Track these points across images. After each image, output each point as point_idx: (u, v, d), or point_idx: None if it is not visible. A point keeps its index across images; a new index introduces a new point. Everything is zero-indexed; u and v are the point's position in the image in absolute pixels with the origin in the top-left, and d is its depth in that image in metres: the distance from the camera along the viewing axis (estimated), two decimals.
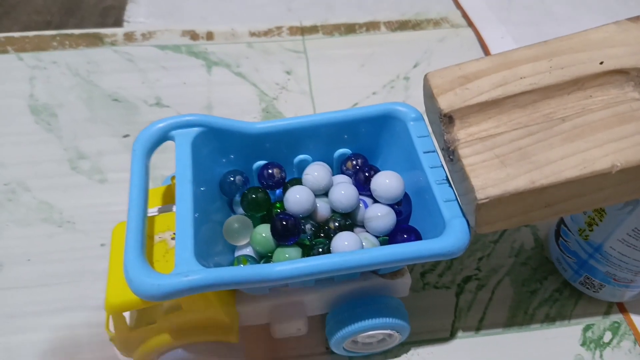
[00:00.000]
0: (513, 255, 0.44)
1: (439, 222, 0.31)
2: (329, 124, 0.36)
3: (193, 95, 0.56)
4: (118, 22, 0.65)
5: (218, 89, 0.57)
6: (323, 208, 0.35)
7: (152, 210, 0.36)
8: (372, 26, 0.65)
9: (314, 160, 0.38)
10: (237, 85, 0.57)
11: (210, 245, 0.32)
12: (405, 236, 0.33)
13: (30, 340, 0.38)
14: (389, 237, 0.34)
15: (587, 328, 0.40)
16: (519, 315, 0.40)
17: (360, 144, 0.38)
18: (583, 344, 0.39)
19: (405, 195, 0.36)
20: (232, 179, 0.36)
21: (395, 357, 0.38)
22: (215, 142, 0.35)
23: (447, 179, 0.33)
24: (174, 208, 0.35)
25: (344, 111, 0.36)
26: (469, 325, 0.40)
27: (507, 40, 0.63)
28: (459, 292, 0.42)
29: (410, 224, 0.36)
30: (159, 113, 0.54)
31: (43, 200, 0.46)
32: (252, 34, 0.63)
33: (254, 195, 0.35)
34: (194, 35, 0.63)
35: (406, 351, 0.38)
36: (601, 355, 0.38)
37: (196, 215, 0.30)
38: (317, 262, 0.29)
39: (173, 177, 0.37)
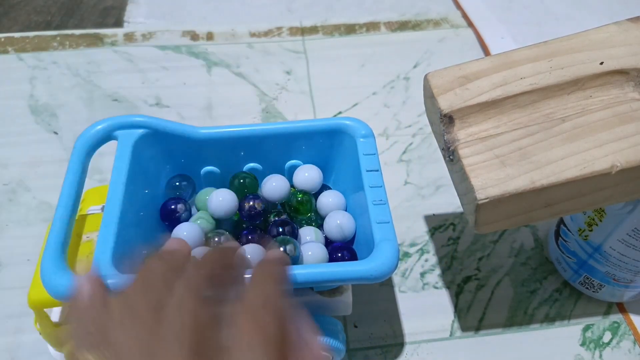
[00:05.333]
0: (513, 255, 0.44)
1: (371, 244, 0.31)
2: (280, 134, 0.36)
3: (193, 96, 0.56)
4: (118, 23, 0.65)
5: (218, 89, 0.57)
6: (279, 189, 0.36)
7: (95, 208, 0.35)
8: (372, 26, 0.65)
9: (264, 169, 0.38)
10: (237, 85, 0.57)
11: (137, 246, 0.31)
12: (339, 254, 0.33)
13: (30, 340, 0.38)
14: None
15: (586, 328, 0.40)
16: (519, 315, 0.40)
17: (312, 157, 0.38)
18: (583, 344, 0.39)
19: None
20: (177, 184, 0.36)
21: (395, 357, 0.38)
22: (160, 144, 0.35)
23: (385, 200, 0.32)
24: None
25: (296, 122, 0.36)
26: (469, 325, 0.40)
27: (507, 40, 0.63)
28: (459, 292, 0.42)
29: (353, 244, 0.36)
30: (159, 113, 0.54)
31: (43, 200, 0.46)
32: (252, 35, 0.63)
33: (241, 180, 0.35)
34: (194, 36, 0.63)
35: (406, 351, 0.38)
36: (601, 355, 0.38)
37: (134, 216, 0.30)
38: None
39: None
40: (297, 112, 0.54)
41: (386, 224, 0.31)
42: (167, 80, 0.57)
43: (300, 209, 0.36)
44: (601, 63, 0.31)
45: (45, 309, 0.31)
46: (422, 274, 0.43)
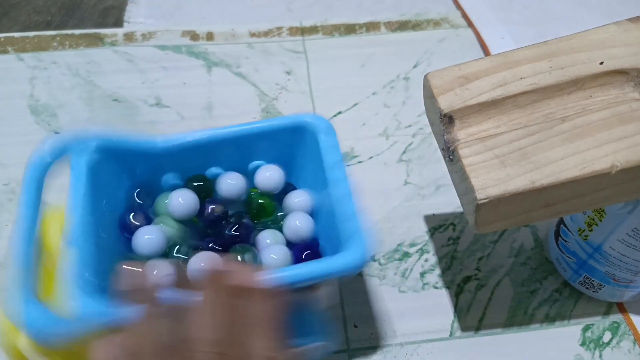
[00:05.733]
0: (513, 255, 0.44)
1: (340, 238, 0.31)
2: (238, 136, 0.35)
3: (193, 96, 0.56)
4: (118, 23, 0.65)
5: (218, 89, 0.57)
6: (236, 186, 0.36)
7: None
8: (372, 26, 0.65)
9: (225, 172, 0.37)
10: (237, 85, 0.57)
11: (100, 260, 0.30)
12: (304, 254, 0.33)
13: None
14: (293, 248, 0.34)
15: (586, 328, 0.40)
16: (519, 315, 0.40)
17: (274, 156, 0.37)
18: (582, 344, 0.39)
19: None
20: (137, 197, 0.36)
21: (395, 357, 0.38)
22: (116, 159, 0.34)
23: (350, 194, 0.32)
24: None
25: (254, 123, 0.36)
26: (469, 325, 0.40)
27: (507, 40, 0.63)
28: (459, 292, 0.42)
29: (319, 238, 0.36)
30: (159, 113, 0.54)
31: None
32: (252, 35, 0.63)
33: (195, 183, 0.35)
34: (194, 36, 0.63)
35: (406, 351, 0.38)
36: (600, 355, 0.38)
37: (96, 235, 0.30)
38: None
39: None
40: (297, 112, 0.54)
41: (352, 217, 0.31)
42: (167, 80, 0.57)
43: (261, 212, 0.36)
44: (601, 63, 0.31)
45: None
46: (422, 274, 0.43)
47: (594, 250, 0.37)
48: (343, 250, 0.29)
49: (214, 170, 0.37)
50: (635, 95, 0.30)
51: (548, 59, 0.32)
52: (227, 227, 0.34)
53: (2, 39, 0.61)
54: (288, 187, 0.38)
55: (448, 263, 0.43)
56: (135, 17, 0.66)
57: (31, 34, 0.62)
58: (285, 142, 0.37)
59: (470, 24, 0.65)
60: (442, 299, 0.41)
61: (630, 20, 0.33)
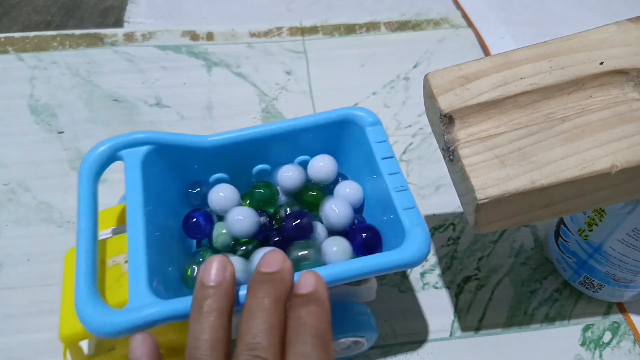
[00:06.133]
0: (513, 255, 0.44)
1: (399, 231, 0.31)
2: (286, 132, 0.35)
3: (193, 96, 0.56)
4: (118, 23, 0.65)
5: (218, 89, 0.57)
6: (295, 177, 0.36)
7: (106, 232, 0.34)
8: (372, 26, 0.65)
9: (272, 170, 0.37)
10: (237, 85, 0.57)
11: (165, 265, 0.31)
12: (364, 235, 0.33)
13: (30, 340, 0.38)
14: (349, 236, 0.34)
15: (586, 328, 0.40)
16: (519, 315, 0.40)
17: (319, 150, 0.37)
18: (582, 344, 0.39)
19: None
20: (195, 190, 0.35)
21: (395, 357, 0.38)
22: (167, 159, 0.34)
23: (406, 186, 0.32)
24: None
25: (301, 118, 0.36)
26: (469, 325, 0.40)
27: (507, 40, 0.63)
28: (459, 292, 0.42)
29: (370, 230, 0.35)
30: (159, 113, 0.54)
31: (43, 200, 0.46)
32: (252, 35, 0.63)
33: (261, 190, 0.35)
34: (194, 36, 0.63)
35: (406, 351, 0.38)
36: (601, 355, 0.38)
37: (151, 236, 0.29)
38: None
39: None
40: (297, 112, 0.54)
41: (413, 209, 0.31)
42: (167, 80, 0.57)
43: (312, 205, 0.35)
44: (601, 63, 0.31)
45: (78, 343, 0.30)
46: (422, 274, 0.43)
47: (594, 250, 0.37)
48: (408, 241, 0.29)
49: (261, 167, 0.37)
50: (635, 95, 0.30)
51: (548, 59, 0.32)
52: (290, 222, 0.34)
53: (2, 39, 0.61)
54: (338, 178, 0.38)
55: (448, 263, 0.43)
56: (135, 17, 0.66)
57: (31, 34, 0.62)
58: (331, 135, 0.37)
59: (470, 24, 0.65)
60: (442, 299, 0.41)
61: (630, 20, 0.33)
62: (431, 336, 0.39)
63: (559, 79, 0.31)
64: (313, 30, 0.64)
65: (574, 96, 0.31)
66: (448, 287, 0.42)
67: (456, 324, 0.40)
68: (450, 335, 0.39)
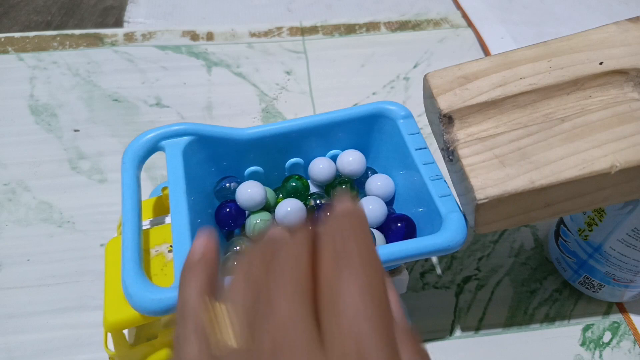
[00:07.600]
0: (513, 255, 0.44)
1: (435, 218, 0.32)
2: (320, 125, 0.36)
3: (193, 96, 0.56)
4: (118, 23, 0.65)
5: (218, 89, 0.57)
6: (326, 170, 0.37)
7: (144, 224, 0.35)
8: (372, 26, 0.65)
9: (305, 164, 0.38)
10: (237, 85, 0.57)
11: None
12: (398, 224, 0.33)
13: (30, 340, 0.38)
14: (383, 227, 0.34)
15: (586, 328, 0.40)
16: (519, 315, 0.40)
17: (351, 145, 0.38)
18: (582, 344, 0.39)
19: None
20: (226, 185, 0.36)
21: None
22: (206, 150, 0.35)
23: (441, 175, 0.33)
24: (167, 219, 0.34)
25: (334, 112, 0.36)
26: (469, 325, 0.40)
27: (507, 40, 0.63)
28: (459, 292, 0.42)
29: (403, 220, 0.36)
30: (159, 113, 0.54)
31: (43, 200, 0.46)
32: (252, 35, 0.63)
33: (293, 184, 0.36)
34: (194, 36, 0.63)
35: None
36: (600, 355, 0.38)
37: (194, 224, 0.30)
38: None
39: (164, 188, 0.37)
40: (297, 112, 0.54)
41: (448, 196, 0.32)
42: (167, 80, 0.57)
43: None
44: (601, 63, 0.31)
45: (123, 330, 0.30)
46: (422, 274, 0.43)
47: (594, 250, 0.37)
48: (446, 226, 0.30)
49: (293, 161, 0.38)
50: (635, 95, 0.30)
51: (548, 59, 0.32)
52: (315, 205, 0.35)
53: (2, 39, 0.61)
54: (367, 172, 0.38)
55: (448, 263, 0.43)
56: (135, 17, 0.66)
57: (31, 34, 0.62)
58: (362, 129, 0.37)
59: (470, 24, 0.65)
60: (442, 299, 0.41)
61: (630, 20, 0.33)
62: (431, 336, 0.39)
63: (559, 79, 0.31)
64: (313, 30, 0.64)
65: (573, 96, 0.31)
66: (448, 287, 0.42)
67: (456, 324, 0.40)
68: (450, 335, 0.39)
